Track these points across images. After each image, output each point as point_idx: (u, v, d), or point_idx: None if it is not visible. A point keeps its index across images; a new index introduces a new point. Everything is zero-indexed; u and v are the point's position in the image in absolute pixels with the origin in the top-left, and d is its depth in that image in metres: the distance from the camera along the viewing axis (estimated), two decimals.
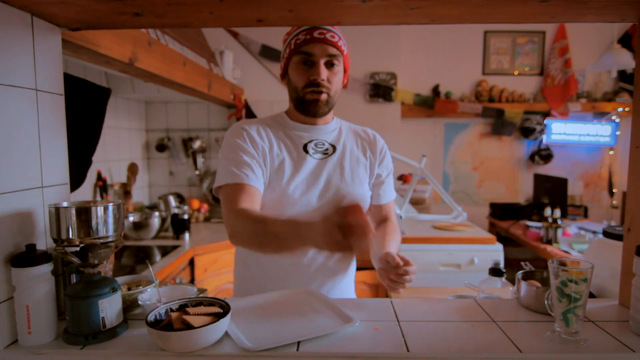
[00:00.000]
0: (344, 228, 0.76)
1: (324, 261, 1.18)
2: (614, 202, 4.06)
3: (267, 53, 3.54)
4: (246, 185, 1.06)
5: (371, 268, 2.52)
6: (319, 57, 1.09)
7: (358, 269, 1.37)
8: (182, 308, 0.86)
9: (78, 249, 0.85)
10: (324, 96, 1.12)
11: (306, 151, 1.17)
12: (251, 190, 1.07)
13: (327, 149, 1.19)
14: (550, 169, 4.01)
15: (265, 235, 0.95)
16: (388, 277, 1.06)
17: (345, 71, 1.19)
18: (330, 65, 1.12)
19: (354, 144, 1.25)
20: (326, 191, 1.15)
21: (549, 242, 2.89)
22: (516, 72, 4.00)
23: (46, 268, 0.84)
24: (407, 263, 1.07)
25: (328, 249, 0.80)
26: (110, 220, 0.86)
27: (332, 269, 1.20)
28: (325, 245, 0.80)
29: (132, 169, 3.07)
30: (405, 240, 2.56)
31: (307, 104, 1.13)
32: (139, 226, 2.55)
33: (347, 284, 1.29)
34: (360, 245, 0.76)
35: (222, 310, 0.85)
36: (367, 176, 1.24)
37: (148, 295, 0.95)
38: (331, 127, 1.23)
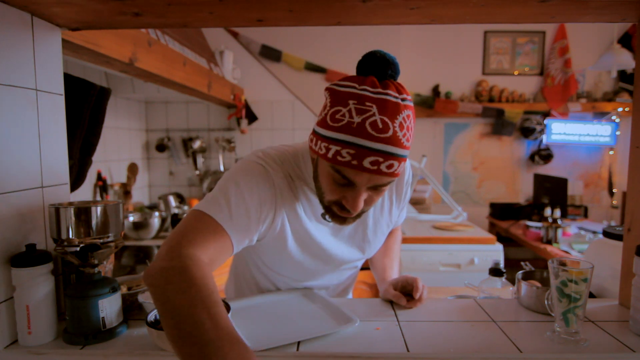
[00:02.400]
0: None
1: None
2: (614, 202, 4.06)
3: (267, 53, 3.55)
4: (224, 235, 0.80)
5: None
6: (361, 186, 0.81)
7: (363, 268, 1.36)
8: None
9: (78, 249, 0.85)
10: (355, 217, 0.88)
11: (325, 218, 0.96)
12: (225, 245, 0.81)
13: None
14: (550, 169, 4.01)
15: (181, 321, 0.63)
16: (405, 299, 1.01)
17: None
18: (375, 188, 0.83)
19: None
20: (347, 249, 1.05)
21: (549, 242, 2.89)
22: (516, 72, 4.00)
23: (46, 268, 0.84)
24: (416, 288, 1.00)
25: None
26: (110, 220, 0.86)
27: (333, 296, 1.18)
28: None
29: (132, 169, 3.07)
30: (405, 240, 2.56)
31: (332, 217, 0.89)
32: (139, 226, 2.55)
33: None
34: None
35: None
36: (390, 219, 1.10)
37: (148, 295, 0.95)
38: None
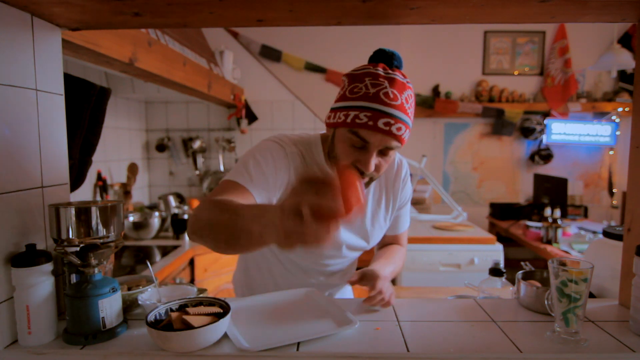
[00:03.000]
0: (301, 212, 0.56)
1: (327, 278, 1.18)
2: (614, 202, 4.06)
3: (267, 53, 3.55)
4: (246, 191, 0.90)
5: None
6: (374, 147, 0.92)
7: (358, 269, 1.37)
8: (182, 308, 0.86)
9: (78, 249, 0.85)
10: (366, 180, 0.98)
11: None
12: (249, 198, 0.90)
13: None
14: (550, 169, 4.01)
15: (218, 222, 0.75)
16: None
17: None
18: (383, 154, 0.95)
19: (381, 178, 1.15)
20: (347, 232, 1.11)
21: (549, 242, 2.89)
22: (516, 72, 4.00)
23: (46, 268, 0.84)
24: (371, 289, 1.00)
25: (280, 245, 0.60)
26: (110, 220, 0.86)
27: (336, 284, 1.21)
28: (277, 239, 0.60)
29: (132, 169, 3.07)
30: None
31: None
32: (139, 226, 2.55)
33: (347, 289, 1.31)
34: (320, 235, 0.57)
35: (222, 311, 0.85)
36: (388, 214, 1.17)
37: (148, 295, 0.95)
38: None
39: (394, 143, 0.92)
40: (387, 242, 1.28)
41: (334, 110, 0.96)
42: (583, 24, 1.86)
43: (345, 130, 0.93)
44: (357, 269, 1.23)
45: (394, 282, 2.63)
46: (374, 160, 0.93)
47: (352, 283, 1.04)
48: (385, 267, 1.14)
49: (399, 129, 0.91)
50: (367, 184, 1.01)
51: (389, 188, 1.15)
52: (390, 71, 0.93)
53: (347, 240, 1.12)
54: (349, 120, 0.90)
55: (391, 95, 0.90)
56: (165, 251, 2.34)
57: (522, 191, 4.10)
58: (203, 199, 0.91)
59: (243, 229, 0.69)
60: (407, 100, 0.93)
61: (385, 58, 0.97)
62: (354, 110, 0.90)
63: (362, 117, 0.89)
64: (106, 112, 1.19)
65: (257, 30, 3.53)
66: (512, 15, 0.97)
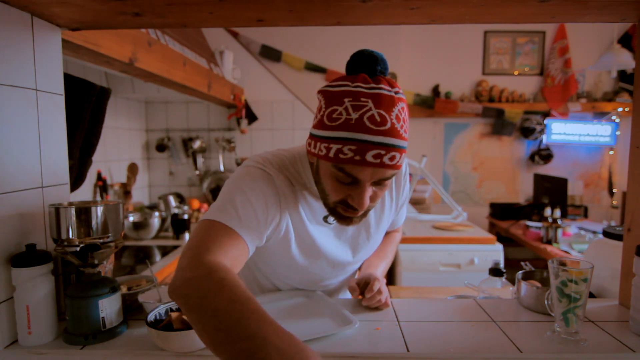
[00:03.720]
0: None
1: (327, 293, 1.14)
2: (614, 202, 4.06)
3: (267, 53, 3.55)
4: (239, 237, 0.79)
5: None
6: (365, 182, 0.80)
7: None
8: None
9: (78, 249, 0.85)
10: (360, 216, 0.88)
11: (326, 221, 0.97)
12: (241, 246, 0.80)
13: None
14: (550, 169, 4.01)
15: (227, 328, 0.60)
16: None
17: None
18: (379, 183, 0.82)
19: None
20: (346, 251, 1.05)
21: (549, 242, 2.89)
22: (516, 72, 4.00)
23: (46, 268, 0.84)
24: (369, 289, 0.99)
25: None
26: (110, 220, 0.86)
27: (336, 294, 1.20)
28: None
29: (132, 169, 3.07)
30: (405, 240, 2.56)
31: (337, 217, 0.88)
32: (139, 226, 2.55)
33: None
34: None
35: None
36: (391, 214, 1.11)
37: (148, 295, 0.95)
38: None
39: (389, 172, 0.80)
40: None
41: (313, 137, 0.83)
42: (583, 24, 1.86)
43: (329, 167, 0.80)
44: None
45: (393, 282, 2.63)
46: (368, 194, 0.81)
47: (353, 293, 1.03)
48: (378, 267, 1.13)
49: (392, 158, 0.77)
50: (364, 215, 0.89)
51: (391, 190, 1.08)
52: (373, 84, 0.77)
53: (344, 257, 1.05)
54: (331, 154, 0.77)
55: (378, 119, 0.75)
56: (165, 251, 2.35)
57: (522, 191, 4.10)
58: (199, 262, 0.70)
59: (261, 351, 0.56)
60: (398, 119, 0.77)
61: (366, 63, 0.80)
62: (336, 143, 0.76)
63: (346, 151, 0.75)
64: (106, 112, 1.19)
65: (257, 30, 3.53)
66: (512, 15, 0.97)
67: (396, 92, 0.79)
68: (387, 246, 1.23)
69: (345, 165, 0.77)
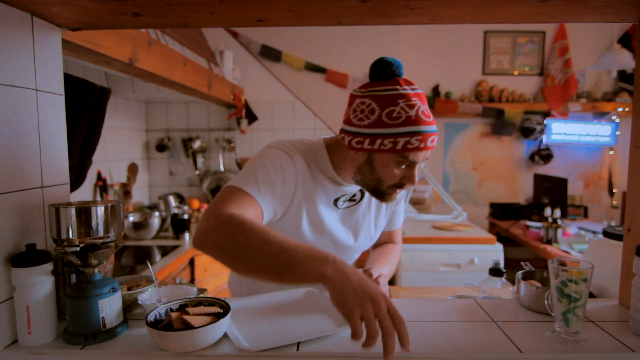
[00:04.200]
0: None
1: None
2: (614, 202, 4.06)
3: (267, 53, 3.55)
4: (256, 204, 0.91)
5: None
6: (418, 163, 0.98)
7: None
8: (182, 308, 0.86)
9: (78, 249, 0.85)
10: (401, 191, 1.04)
11: (336, 205, 1.09)
12: (257, 211, 0.91)
13: (354, 196, 1.12)
14: (550, 169, 4.01)
15: (254, 251, 0.76)
16: None
17: None
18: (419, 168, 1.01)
19: None
20: (350, 237, 1.13)
21: (549, 242, 2.89)
22: (516, 72, 4.00)
23: (46, 268, 0.84)
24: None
25: (346, 303, 0.68)
26: (111, 220, 0.86)
27: None
28: (346, 297, 0.68)
29: (132, 169, 3.07)
30: (405, 240, 2.56)
31: (382, 197, 1.03)
32: (139, 226, 2.55)
33: None
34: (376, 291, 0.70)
35: (222, 311, 0.85)
36: (388, 212, 1.22)
37: (148, 295, 0.95)
38: None
39: (428, 154, 0.98)
40: (382, 239, 1.30)
41: (369, 136, 0.94)
42: (583, 24, 1.86)
43: (392, 155, 0.95)
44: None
45: (393, 282, 2.63)
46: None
47: None
48: (384, 268, 1.16)
49: (433, 140, 0.96)
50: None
51: None
52: (414, 86, 0.97)
53: (347, 240, 1.13)
54: (399, 147, 0.92)
55: (427, 112, 0.95)
56: (165, 251, 2.35)
57: (522, 191, 4.10)
58: (219, 213, 0.84)
59: (289, 266, 0.72)
60: (428, 109, 0.97)
61: (392, 68, 0.97)
62: (403, 137, 0.92)
63: (414, 141, 0.92)
64: (106, 112, 1.19)
65: (257, 30, 3.53)
66: (512, 15, 0.97)
67: (419, 88, 0.98)
68: (389, 255, 1.25)
69: (411, 152, 0.93)
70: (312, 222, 1.05)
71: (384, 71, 0.96)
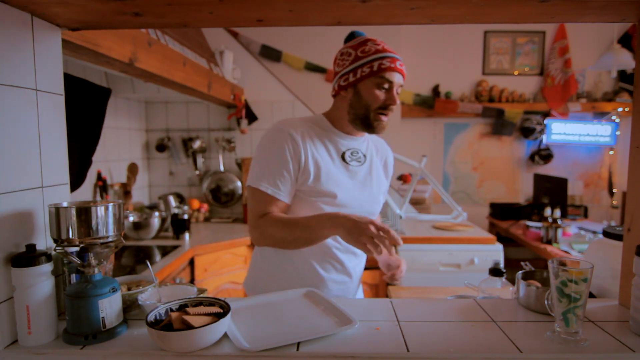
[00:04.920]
0: (377, 229, 0.99)
1: (339, 268, 1.30)
2: (614, 202, 4.05)
3: (267, 53, 3.54)
4: (278, 201, 1.18)
5: (371, 268, 2.51)
6: (395, 86, 1.18)
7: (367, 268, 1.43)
8: (182, 308, 0.86)
9: (78, 249, 0.85)
10: (386, 118, 1.21)
11: (344, 159, 1.26)
12: (280, 205, 1.19)
13: (360, 157, 1.29)
14: (550, 169, 4.01)
15: (294, 238, 1.13)
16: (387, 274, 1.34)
17: None
18: (397, 92, 1.20)
19: (377, 155, 1.37)
20: (361, 193, 1.27)
21: (549, 242, 2.89)
22: (516, 72, 4.00)
23: (46, 268, 0.84)
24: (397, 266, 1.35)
25: (353, 237, 1.01)
26: (110, 220, 0.86)
27: (346, 271, 1.31)
28: (352, 234, 1.01)
29: (132, 169, 3.07)
30: (405, 240, 2.56)
31: (373, 123, 1.20)
32: (139, 226, 2.55)
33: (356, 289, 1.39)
34: (377, 249, 0.98)
35: (222, 311, 0.85)
36: (381, 183, 1.37)
37: (148, 295, 0.95)
38: (363, 138, 1.33)
39: (402, 80, 1.20)
40: None
41: (350, 72, 1.19)
42: (583, 24, 1.86)
43: (372, 78, 1.16)
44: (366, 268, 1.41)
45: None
46: (396, 94, 1.19)
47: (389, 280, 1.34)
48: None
49: (402, 65, 1.18)
50: (384, 127, 1.22)
51: (384, 165, 1.39)
52: (375, 38, 1.21)
53: (356, 195, 1.25)
54: (375, 69, 1.15)
55: (389, 47, 1.20)
56: (165, 251, 2.34)
57: (522, 191, 4.10)
58: (256, 224, 1.18)
59: (314, 235, 1.12)
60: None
61: (357, 34, 1.25)
62: (377, 61, 1.15)
63: (386, 62, 1.15)
64: (106, 112, 1.19)
65: (257, 30, 3.53)
66: (512, 15, 0.97)
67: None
68: None
69: (386, 72, 1.15)
70: (325, 174, 1.20)
71: (353, 36, 1.24)
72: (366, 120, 1.20)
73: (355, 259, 1.31)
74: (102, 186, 2.69)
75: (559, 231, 2.88)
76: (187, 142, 3.51)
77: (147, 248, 2.44)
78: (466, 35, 3.95)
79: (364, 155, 1.30)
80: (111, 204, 0.87)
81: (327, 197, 1.19)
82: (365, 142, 1.33)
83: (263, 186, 1.16)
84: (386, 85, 1.17)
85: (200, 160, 3.52)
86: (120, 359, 0.80)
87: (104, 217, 0.85)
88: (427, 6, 0.90)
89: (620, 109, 3.88)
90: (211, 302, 0.88)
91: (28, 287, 0.81)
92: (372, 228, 0.98)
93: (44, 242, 0.93)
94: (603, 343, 0.83)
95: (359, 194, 1.26)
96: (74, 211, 0.83)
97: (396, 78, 1.17)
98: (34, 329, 0.82)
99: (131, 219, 2.60)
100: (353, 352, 0.79)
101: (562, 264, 0.83)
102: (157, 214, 2.63)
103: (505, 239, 3.41)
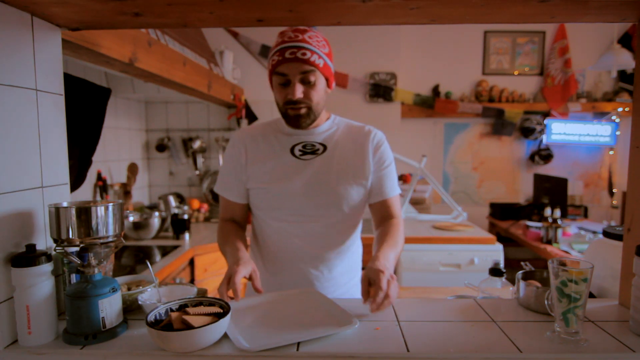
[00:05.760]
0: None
1: (310, 248, 1.28)
2: (614, 202, 4.06)
3: (267, 53, 3.54)
4: (229, 201, 1.29)
5: None
6: (293, 77, 1.13)
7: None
8: (182, 308, 0.86)
9: (78, 249, 0.85)
10: (303, 110, 1.17)
11: (293, 153, 1.23)
12: (230, 204, 1.29)
13: (317, 149, 1.24)
14: (550, 169, 4.01)
15: (220, 249, 1.25)
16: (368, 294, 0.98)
17: (328, 78, 1.20)
18: (306, 81, 1.14)
19: (348, 141, 1.26)
20: (312, 187, 1.21)
21: (549, 242, 2.89)
22: (516, 72, 4.00)
23: (46, 268, 0.84)
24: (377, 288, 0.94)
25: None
26: (110, 220, 0.86)
27: (318, 255, 1.27)
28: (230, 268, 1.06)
29: (132, 169, 3.07)
30: (405, 241, 2.55)
31: (290, 119, 1.19)
32: (139, 226, 2.55)
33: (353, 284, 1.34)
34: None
35: (222, 311, 0.85)
36: (362, 173, 1.24)
37: (148, 295, 0.95)
38: (323, 129, 1.27)
39: (306, 67, 1.12)
40: (380, 212, 1.27)
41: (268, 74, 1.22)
42: (583, 24, 1.86)
43: (274, 77, 1.16)
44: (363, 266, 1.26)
45: None
46: (300, 89, 1.13)
47: (364, 293, 0.97)
48: (388, 254, 1.09)
49: (303, 54, 1.11)
50: (308, 114, 1.18)
51: (358, 151, 1.25)
52: (300, 27, 1.15)
53: (304, 188, 1.21)
54: (269, 67, 1.17)
55: (292, 36, 1.13)
56: (165, 251, 2.34)
57: (522, 191, 4.10)
58: (219, 223, 1.32)
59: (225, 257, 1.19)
60: (310, 37, 1.14)
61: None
62: (270, 58, 1.16)
63: (275, 57, 1.14)
64: (106, 112, 1.19)
65: (257, 30, 3.53)
66: (512, 15, 0.97)
67: (312, 29, 1.17)
68: (394, 234, 1.20)
69: (278, 67, 1.13)
70: (272, 170, 1.22)
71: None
72: (284, 115, 1.21)
73: (325, 259, 1.26)
74: (102, 186, 2.69)
75: (559, 231, 2.88)
76: (187, 142, 3.51)
77: (147, 248, 2.44)
78: (466, 35, 3.95)
79: (323, 146, 1.24)
80: (111, 204, 0.87)
81: (270, 192, 1.23)
82: (327, 132, 1.26)
83: (218, 190, 1.30)
84: (283, 81, 1.14)
85: (200, 160, 3.52)
86: (120, 359, 0.80)
87: (104, 217, 0.85)
88: (427, 6, 0.90)
89: (620, 109, 3.88)
90: (211, 302, 0.88)
91: (28, 287, 0.81)
92: (223, 287, 1.00)
93: (44, 242, 0.93)
94: (603, 343, 0.83)
95: (309, 186, 1.21)
96: (74, 211, 0.83)
97: (290, 69, 1.12)
98: (34, 329, 0.82)
99: (131, 219, 2.60)
100: (353, 352, 0.79)
101: (562, 264, 0.83)
102: (157, 214, 2.63)
103: (505, 239, 3.41)
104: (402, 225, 1.26)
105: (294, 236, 1.24)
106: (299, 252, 1.25)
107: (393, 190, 1.28)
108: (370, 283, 0.96)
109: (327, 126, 1.27)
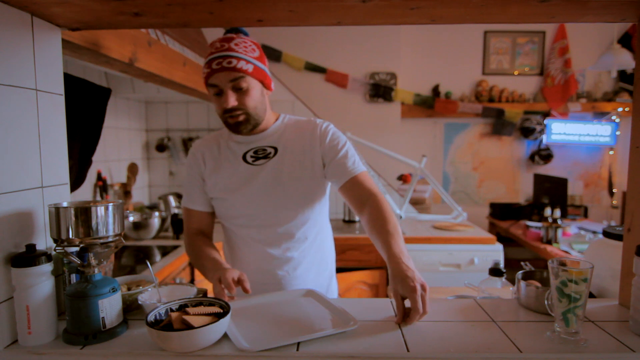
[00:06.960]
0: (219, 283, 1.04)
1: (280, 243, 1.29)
2: (614, 202, 4.05)
3: (267, 53, 3.54)
4: (192, 211, 1.30)
5: (371, 268, 2.51)
6: (224, 86, 1.14)
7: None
8: (182, 308, 0.86)
9: (78, 249, 0.85)
10: (242, 117, 1.18)
11: (245, 160, 1.25)
12: (196, 215, 1.30)
13: (268, 153, 1.25)
14: (550, 169, 4.01)
15: (195, 264, 1.25)
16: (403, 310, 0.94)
17: (263, 81, 1.22)
18: (237, 88, 1.15)
19: (296, 138, 1.27)
20: (267, 191, 1.23)
21: (549, 242, 2.89)
22: (516, 72, 4.00)
23: (46, 268, 0.84)
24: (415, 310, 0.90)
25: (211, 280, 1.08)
26: (110, 220, 0.86)
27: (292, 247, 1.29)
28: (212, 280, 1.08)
29: (132, 169, 3.07)
30: (405, 241, 2.55)
31: (231, 127, 1.20)
32: (139, 226, 2.55)
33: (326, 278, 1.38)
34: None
35: (222, 311, 0.85)
36: (316, 166, 1.24)
37: (148, 295, 0.95)
38: (271, 131, 1.27)
39: (234, 74, 1.12)
40: (353, 193, 1.21)
41: None
42: (583, 24, 1.86)
43: (208, 89, 1.17)
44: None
45: None
46: (232, 97, 1.14)
47: (400, 314, 0.93)
48: (403, 249, 1.11)
49: (229, 62, 1.12)
50: (247, 120, 1.19)
51: (306, 146, 1.25)
52: (227, 36, 1.17)
53: (277, 198, 1.22)
54: (204, 80, 1.17)
55: (219, 46, 1.15)
56: (165, 251, 2.34)
57: (522, 191, 4.10)
58: (186, 236, 1.32)
59: (204, 272, 1.19)
60: (237, 44, 1.15)
61: (227, 31, 1.23)
62: (203, 71, 1.17)
63: (205, 70, 1.15)
64: (106, 112, 1.19)
65: (257, 30, 3.53)
66: (512, 15, 0.97)
67: (239, 36, 1.18)
68: (387, 218, 1.15)
69: (207, 79, 1.15)
70: (228, 179, 1.24)
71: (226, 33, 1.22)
72: (225, 124, 1.22)
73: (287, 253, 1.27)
74: (102, 186, 2.69)
75: (559, 231, 2.88)
76: (187, 142, 3.51)
77: (147, 248, 2.44)
78: (466, 35, 3.95)
79: (274, 149, 1.25)
80: (111, 204, 0.87)
81: (228, 201, 1.25)
82: (276, 134, 1.27)
83: (186, 204, 1.30)
84: (216, 91, 1.15)
85: None
86: (120, 359, 0.80)
87: (104, 217, 0.85)
88: (427, 6, 0.90)
89: (620, 109, 3.88)
90: (211, 302, 0.88)
91: (28, 287, 0.81)
92: (217, 286, 1.03)
93: (44, 242, 0.93)
94: (603, 343, 0.83)
95: (264, 191, 1.22)
96: (73, 211, 0.83)
97: (220, 79, 1.13)
98: (34, 329, 0.82)
99: (131, 219, 2.60)
100: (353, 352, 0.79)
101: (562, 264, 0.83)
102: (157, 214, 2.63)
103: (505, 239, 3.41)
104: (385, 202, 1.19)
105: (257, 241, 1.27)
106: (263, 255, 1.27)
107: (356, 168, 1.23)
108: (403, 297, 0.93)
109: (275, 128, 1.28)
